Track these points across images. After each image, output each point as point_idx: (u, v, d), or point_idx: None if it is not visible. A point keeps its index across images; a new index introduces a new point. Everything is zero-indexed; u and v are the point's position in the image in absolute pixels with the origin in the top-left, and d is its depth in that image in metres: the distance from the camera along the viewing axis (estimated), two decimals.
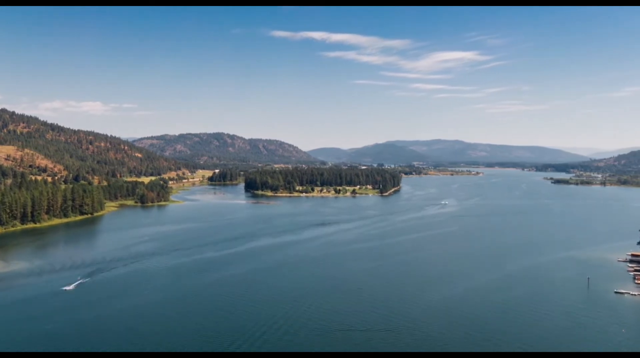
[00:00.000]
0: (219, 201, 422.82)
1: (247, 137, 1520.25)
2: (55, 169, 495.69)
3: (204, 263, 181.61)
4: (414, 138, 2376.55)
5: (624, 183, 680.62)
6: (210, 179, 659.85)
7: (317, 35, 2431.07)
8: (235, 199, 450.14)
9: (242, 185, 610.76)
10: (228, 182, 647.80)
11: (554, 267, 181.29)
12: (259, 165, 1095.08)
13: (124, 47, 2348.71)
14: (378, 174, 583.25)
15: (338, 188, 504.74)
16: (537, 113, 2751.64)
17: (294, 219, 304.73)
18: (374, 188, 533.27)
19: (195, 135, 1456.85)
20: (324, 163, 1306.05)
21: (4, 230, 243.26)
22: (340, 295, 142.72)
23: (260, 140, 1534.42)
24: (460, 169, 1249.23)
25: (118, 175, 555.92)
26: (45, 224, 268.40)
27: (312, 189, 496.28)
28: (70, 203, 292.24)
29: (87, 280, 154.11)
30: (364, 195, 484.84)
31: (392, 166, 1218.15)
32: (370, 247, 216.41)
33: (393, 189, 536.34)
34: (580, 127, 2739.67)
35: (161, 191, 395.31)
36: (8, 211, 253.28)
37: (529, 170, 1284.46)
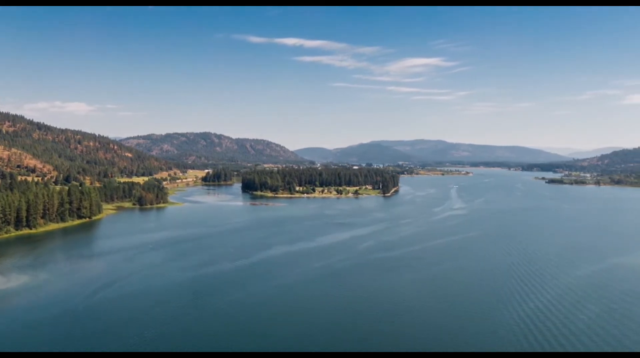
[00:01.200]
0: (219, 203, 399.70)
1: (234, 137, 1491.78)
2: (45, 170, 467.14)
3: (221, 278, 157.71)
4: (397, 138, 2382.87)
5: (618, 182, 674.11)
6: (204, 179, 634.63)
7: (290, 41, 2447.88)
8: (235, 200, 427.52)
9: (237, 186, 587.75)
10: (222, 182, 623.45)
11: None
12: (248, 165, 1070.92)
13: (107, 48, 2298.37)
14: (378, 174, 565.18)
15: (339, 188, 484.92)
16: (509, 114, 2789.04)
17: (303, 223, 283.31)
18: (374, 189, 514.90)
19: (182, 135, 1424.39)
20: (312, 162, 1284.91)
21: None
22: (390, 320, 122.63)
23: (247, 140, 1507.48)
24: (449, 169, 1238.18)
25: (110, 175, 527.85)
26: (41, 229, 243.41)
27: (313, 190, 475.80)
28: (67, 206, 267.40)
29: (95, 298, 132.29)
30: (366, 196, 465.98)
31: (381, 165, 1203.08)
32: (398, 256, 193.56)
33: (393, 190, 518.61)
34: (553, 128, 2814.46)
35: (159, 193, 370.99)
36: (1, 216, 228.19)
37: (515, 170, 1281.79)
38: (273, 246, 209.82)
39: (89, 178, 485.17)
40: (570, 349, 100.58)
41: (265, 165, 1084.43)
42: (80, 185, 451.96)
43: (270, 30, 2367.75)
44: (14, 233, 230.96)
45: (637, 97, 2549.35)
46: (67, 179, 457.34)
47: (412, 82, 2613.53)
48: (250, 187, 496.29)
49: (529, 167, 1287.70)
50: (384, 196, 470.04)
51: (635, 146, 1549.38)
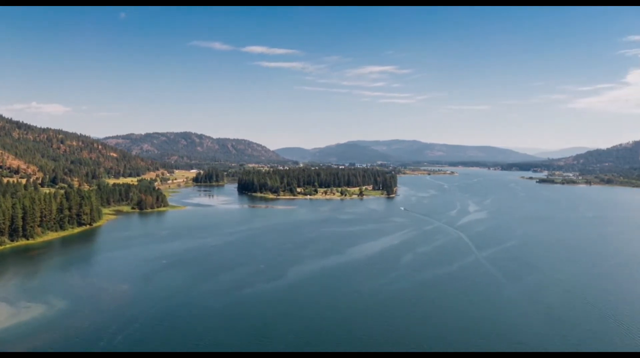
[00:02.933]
0: (222, 206, 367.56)
1: (215, 136, 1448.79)
2: (29, 171, 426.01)
3: (258, 305, 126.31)
4: (373, 139, 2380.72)
5: (608, 182, 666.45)
6: (195, 180, 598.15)
7: (257, 49, 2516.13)
8: (236, 203, 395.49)
9: (229, 186, 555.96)
10: (214, 183, 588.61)
11: None
12: (233, 165, 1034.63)
13: (82, 50, 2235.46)
14: (377, 175, 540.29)
15: (342, 189, 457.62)
16: (468, 116, 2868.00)
17: (322, 229, 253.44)
18: (374, 189, 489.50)
19: (162, 134, 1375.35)
20: (296, 162, 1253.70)
21: None
22: None
23: (228, 139, 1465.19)
24: (432, 168, 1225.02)
25: (98, 176, 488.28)
26: (39, 240, 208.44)
27: (316, 191, 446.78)
28: (67, 212, 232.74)
29: (126, 336, 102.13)
30: (370, 197, 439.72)
31: (364, 165, 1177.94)
32: (449, 273, 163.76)
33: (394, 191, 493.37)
34: (513, 129, 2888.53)
35: (159, 196, 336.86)
36: None
37: (495, 169, 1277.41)
38: (305, 260, 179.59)
39: (76, 179, 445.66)
40: None
41: (250, 165, 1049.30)
42: (69, 186, 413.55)
43: (236, 38, 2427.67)
44: (9, 244, 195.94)
45: (582, 101, 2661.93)
46: (53, 181, 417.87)
47: (374, 86, 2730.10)
48: (248, 188, 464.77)
49: (507, 167, 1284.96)
50: (388, 198, 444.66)
51: (599, 146, 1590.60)
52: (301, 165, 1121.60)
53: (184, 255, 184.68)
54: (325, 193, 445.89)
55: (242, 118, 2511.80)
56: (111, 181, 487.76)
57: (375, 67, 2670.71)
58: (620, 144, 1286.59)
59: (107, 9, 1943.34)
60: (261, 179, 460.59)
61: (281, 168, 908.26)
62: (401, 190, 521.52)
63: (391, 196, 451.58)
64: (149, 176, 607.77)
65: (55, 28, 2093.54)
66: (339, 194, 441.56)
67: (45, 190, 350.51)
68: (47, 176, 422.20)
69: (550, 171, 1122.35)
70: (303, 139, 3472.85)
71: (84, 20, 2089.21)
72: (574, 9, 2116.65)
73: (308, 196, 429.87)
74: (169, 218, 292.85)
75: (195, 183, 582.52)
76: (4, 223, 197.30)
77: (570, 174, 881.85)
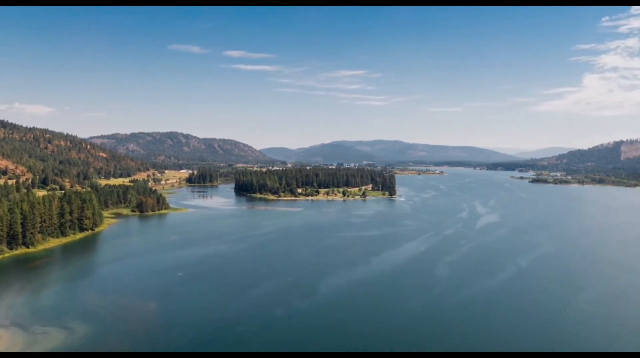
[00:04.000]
0: (225, 208, 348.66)
1: (201, 136, 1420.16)
2: (18, 171, 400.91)
3: (304, 329, 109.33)
4: (357, 139, 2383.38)
5: (600, 181, 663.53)
6: (189, 180, 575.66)
7: (235, 53, 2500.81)
8: (238, 204, 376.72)
9: (223, 187, 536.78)
10: (208, 183, 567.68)
11: None
12: (222, 164, 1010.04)
13: (64, 50, 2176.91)
14: (377, 175, 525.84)
15: (343, 190, 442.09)
16: (445, 117, 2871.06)
17: (338, 234, 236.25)
18: (373, 189, 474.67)
19: (148, 134, 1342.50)
20: (284, 162, 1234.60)
21: None
22: None
23: (215, 139, 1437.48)
24: (420, 168, 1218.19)
25: (90, 177, 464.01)
26: (40, 247, 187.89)
27: (317, 192, 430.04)
28: (68, 217, 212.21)
29: None
30: (372, 198, 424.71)
31: (352, 165, 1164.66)
32: (499, 286, 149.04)
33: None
34: (489, 130, 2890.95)
35: (160, 198, 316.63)
36: None
37: (481, 169, 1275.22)
38: (333, 271, 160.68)
39: (67, 180, 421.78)
40: None
41: (239, 165, 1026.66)
42: (60, 188, 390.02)
43: (213, 43, 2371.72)
44: (7, 253, 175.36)
45: (548, 104, 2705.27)
46: (44, 182, 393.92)
47: (350, 89, 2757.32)
48: (246, 189, 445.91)
49: (493, 166, 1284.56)
50: (390, 198, 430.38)
51: (572, 146, 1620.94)
52: (289, 165, 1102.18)
53: (200, 266, 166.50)
54: (327, 193, 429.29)
55: (226, 118, 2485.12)
56: (103, 182, 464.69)
57: (347, 72, 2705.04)
58: (602, 145, 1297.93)
59: (90, 10, 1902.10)
60: (260, 179, 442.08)
61: (272, 167, 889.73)
62: (400, 191, 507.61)
63: (393, 197, 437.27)
64: (140, 176, 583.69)
65: (37, 28, 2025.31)
66: (340, 195, 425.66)
67: (40, 192, 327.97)
68: (37, 176, 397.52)
69: (536, 170, 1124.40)
70: (287, 139, 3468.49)
71: (66, 21, 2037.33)
72: (533, 18, 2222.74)
73: (310, 198, 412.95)
74: (173, 222, 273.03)
75: (188, 184, 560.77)
76: (1, 229, 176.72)
77: (558, 174, 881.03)
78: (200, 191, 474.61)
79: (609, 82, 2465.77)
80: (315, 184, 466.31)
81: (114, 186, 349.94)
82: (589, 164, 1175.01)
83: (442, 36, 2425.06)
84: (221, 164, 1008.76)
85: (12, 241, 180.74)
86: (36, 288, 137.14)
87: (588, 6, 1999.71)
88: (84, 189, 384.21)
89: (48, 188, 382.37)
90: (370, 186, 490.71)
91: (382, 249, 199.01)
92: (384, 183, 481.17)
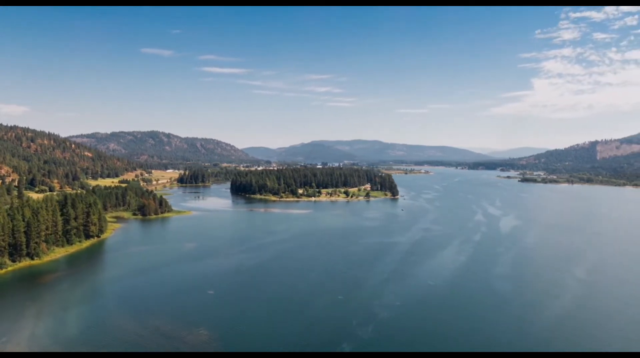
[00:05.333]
0: (228, 210, 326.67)
1: (183, 136, 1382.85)
2: (3, 172, 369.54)
3: None
4: (335, 138, 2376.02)
5: (588, 181, 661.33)
6: (180, 181, 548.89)
7: (207, 57, 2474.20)
8: (241, 206, 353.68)
9: (216, 187, 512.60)
10: (200, 184, 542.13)
11: None
12: (207, 164, 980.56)
13: (36, 49, 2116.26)
14: (375, 175, 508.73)
15: (345, 190, 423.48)
16: (414, 118, 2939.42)
17: (361, 240, 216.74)
18: (372, 189, 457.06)
19: (129, 133, 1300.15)
20: (268, 162, 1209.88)
21: None
22: None
23: (197, 139, 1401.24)
24: (405, 168, 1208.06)
25: (79, 178, 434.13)
26: (46, 258, 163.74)
27: (319, 193, 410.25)
28: (74, 223, 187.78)
29: None
30: (375, 199, 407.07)
31: (336, 164, 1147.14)
32: (580, 309, 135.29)
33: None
34: (457, 131, 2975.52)
35: (162, 200, 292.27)
36: None
37: (462, 168, 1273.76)
38: (380, 287, 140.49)
39: (56, 181, 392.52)
40: None
41: (224, 164, 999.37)
42: (50, 189, 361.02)
43: (185, 47, 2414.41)
44: (10, 266, 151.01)
45: (508, 106, 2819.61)
46: (31, 183, 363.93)
47: (320, 91, 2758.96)
48: (245, 190, 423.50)
49: (474, 166, 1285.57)
50: (393, 199, 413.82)
51: (538, 146, 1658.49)
52: (274, 164, 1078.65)
53: (230, 281, 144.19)
54: (330, 194, 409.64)
55: (206, 118, 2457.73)
56: (92, 183, 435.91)
57: (314, 76, 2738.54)
58: (577, 145, 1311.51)
59: (61, 10, 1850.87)
60: (260, 180, 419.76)
61: (259, 167, 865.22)
62: (400, 191, 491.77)
63: (395, 197, 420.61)
64: (128, 176, 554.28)
65: (11, 28, 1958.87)
66: (343, 195, 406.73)
67: (33, 195, 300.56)
68: (24, 177, 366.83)
69: (516, 170, 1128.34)
70: (267, 139, 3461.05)
71: (37, 21, 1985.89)
72: (483, 24, 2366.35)
73: (313, 198, 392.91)
74: (180, 227, 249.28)
75: (180, 184, 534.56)
76: (2, 239, 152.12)
77: (542, 174, 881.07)
78: (194, 192, 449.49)
79: (558, 86, 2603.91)
80: (313, 184, 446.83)
81: (111, 187, 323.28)
82: (567, 163, 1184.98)
83: (401, 41, 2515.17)
84: (206, 164, 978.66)
85: (14, 252, 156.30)
86: (56, 312, 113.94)
87: (524, 17, 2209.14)
88: (74, 191, 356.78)
89: (36, 189, 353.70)
90: (368, 186, 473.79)
91: (419, 259, 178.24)
92: (383, 183, 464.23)
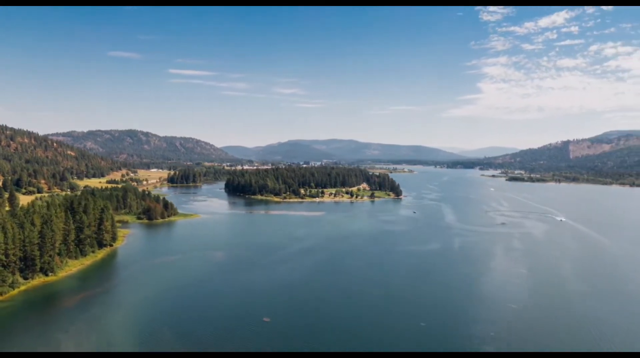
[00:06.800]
0: (235, 212, 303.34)
1: (161, 134, 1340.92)
2: None
3: None
4: (311, 138, 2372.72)
5: (574, 180, 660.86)
6: (170, 181, 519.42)
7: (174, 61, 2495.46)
8: (246, 208, 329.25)
9: (208, 187, 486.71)
10: (191, 184, 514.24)
11: None
12: (189, 163, 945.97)
13: (8, 47, 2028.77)
14: (372, 175, 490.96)
15: (346, 190, 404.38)
16: (381, 120, 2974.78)
17: (395, 248, 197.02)
18: (370, 189, 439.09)
19: (106, 132, 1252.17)
20: (250, 161, 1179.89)
21: None
22: None
23: (176, 138, 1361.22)
24: (388, 167, 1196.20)
25: (68, 179, 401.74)
26: (61, 274, 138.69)
27: (322, 193, 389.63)
28: (87, 231, 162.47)
29: None
30: (380, 199, 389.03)
31: (319, 163, 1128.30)
32: None
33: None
34: (427, 131, 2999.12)
35: (168, 203, 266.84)
36: (2, 258, 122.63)
37: (441, 167, 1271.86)
38: (459, 311, 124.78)
39: (43, 182, 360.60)
40: None
41: (207, 164, 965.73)
42: (38, 191, 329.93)
43: (152, 50, 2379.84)
44: (23, 284, 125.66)
45: (464, 109, 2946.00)
46: (17, 184, 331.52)
47: (287, 93, 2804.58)
48: (243, 190, 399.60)
49: (452, 165, 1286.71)
50: (397, 198, 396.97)
51: (505, 145, 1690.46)
52: (255, 164, 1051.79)
53: (282, 303, 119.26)
54: (334, 195, 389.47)
55: (182, 118, 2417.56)
56: (80, 183, 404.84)
57: (280, 79, 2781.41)
58: (550, 144, 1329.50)
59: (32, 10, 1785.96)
60: (260, 180, 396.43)
61: (244, 167, 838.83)
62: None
63: (399, 197, 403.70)
64: (114, 176, 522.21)
65: None
66: (347, 196, 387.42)
67: (25, 198, 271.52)
68: (9, 178, 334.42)
69: (494, 168, 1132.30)
70: (243, 138, 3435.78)
71: (10, 21, 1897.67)
72: (432, 30, 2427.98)
73: (316, 199, 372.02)
74: (194, 232, 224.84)
75: (170, 184, 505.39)
76: (13, 254, 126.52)
77: (523, 172, 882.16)
78: (187, 193, 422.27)
79: (505, 91, 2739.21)
80: (312, 184, 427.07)
81: (108, 189, 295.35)
82: (542, 162, 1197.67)
83: (363, 44, 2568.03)
84: (189, 163, 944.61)
85: (25, 268, 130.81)
86: (98, 349, 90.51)
87: (456, 28, 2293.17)
88: (64, 192, 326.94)
89: (23, 190, 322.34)
90: (366, 186, 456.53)
91: (476, 271, 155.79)
92: (382, 183, 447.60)
